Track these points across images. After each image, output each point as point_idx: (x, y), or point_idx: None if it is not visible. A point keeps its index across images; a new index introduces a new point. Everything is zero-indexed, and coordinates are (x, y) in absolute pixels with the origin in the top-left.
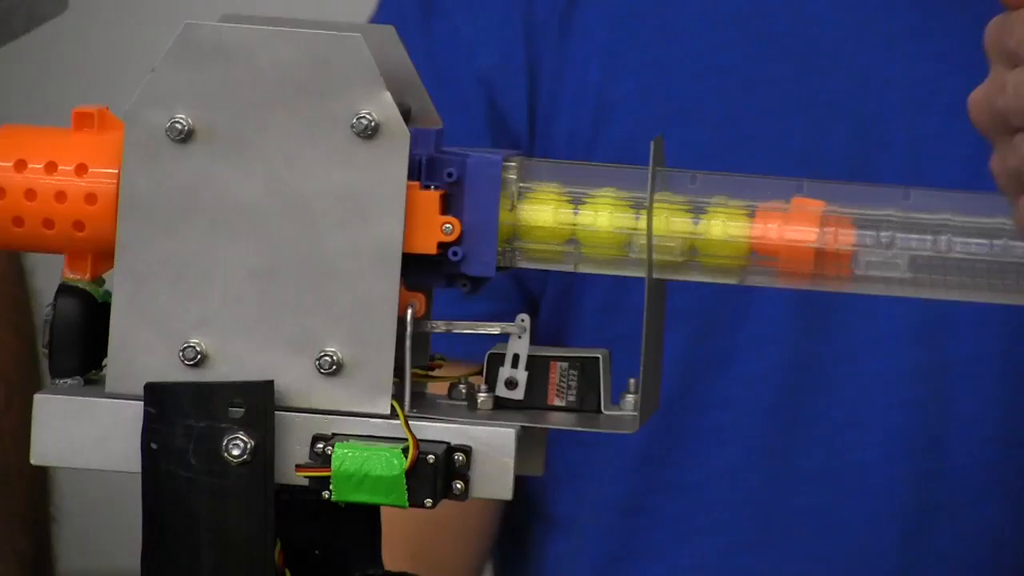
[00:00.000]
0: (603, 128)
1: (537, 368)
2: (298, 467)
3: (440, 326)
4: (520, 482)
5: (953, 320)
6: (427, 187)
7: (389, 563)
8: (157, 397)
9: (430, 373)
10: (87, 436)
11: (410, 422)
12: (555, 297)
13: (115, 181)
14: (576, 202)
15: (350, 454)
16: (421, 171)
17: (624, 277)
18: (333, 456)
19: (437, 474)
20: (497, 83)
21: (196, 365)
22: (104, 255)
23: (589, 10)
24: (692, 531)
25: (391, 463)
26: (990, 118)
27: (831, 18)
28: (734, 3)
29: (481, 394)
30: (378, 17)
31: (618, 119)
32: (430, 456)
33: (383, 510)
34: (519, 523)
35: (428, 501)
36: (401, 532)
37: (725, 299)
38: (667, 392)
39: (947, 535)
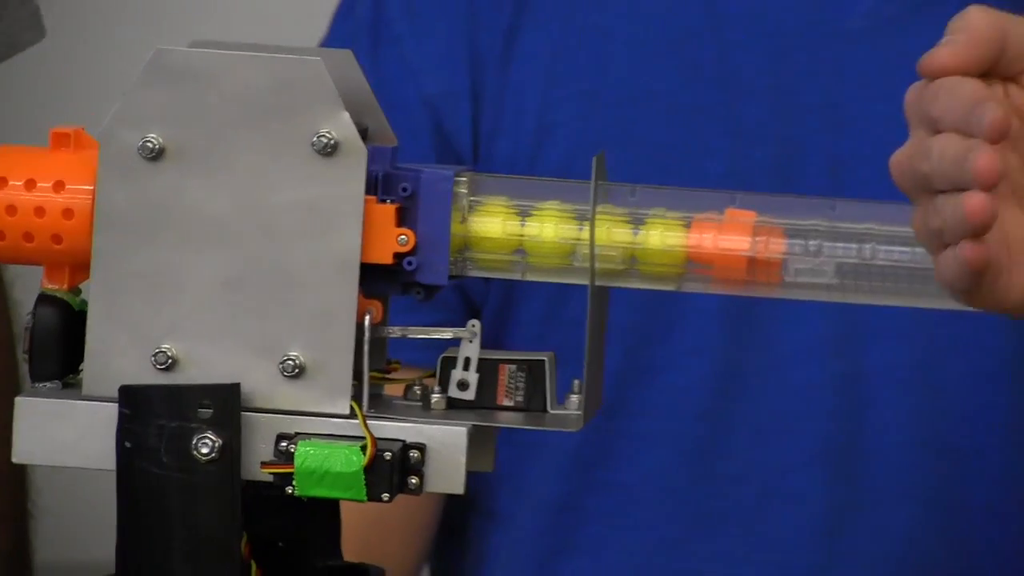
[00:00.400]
0: (542, 150)
1: (487, 370)
2: (263, 464)
3: (396, 331)
4: (470, 482)
5: (869, 332)
6: (383, 201)
7: None
8: (131, 399)
9: (387, 376)
10: (66, 436)
11: (368, 421)
12: (496, 308)
13: (91, 197)
14: (523, 214)
15: (312, 452)
16: (378, 186)
17: (562, 289)
18: (296, 454)
19: (393, 470)
20: (443, 108)
21: (167, 369)
22: (81, 266)
23: (529, 40)
24: (622, 528)
25: (350, 460)
26: (912, 180)
27: (755, 47)
28: (664, 33)
29: (435, 395)
30: (327, 43)
31: (556, 142)
32: (387, 453)
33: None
34: (457, 518)
35: (385, 495)
36: (348, 533)
37: (656, 313)
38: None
39: (864, 534)
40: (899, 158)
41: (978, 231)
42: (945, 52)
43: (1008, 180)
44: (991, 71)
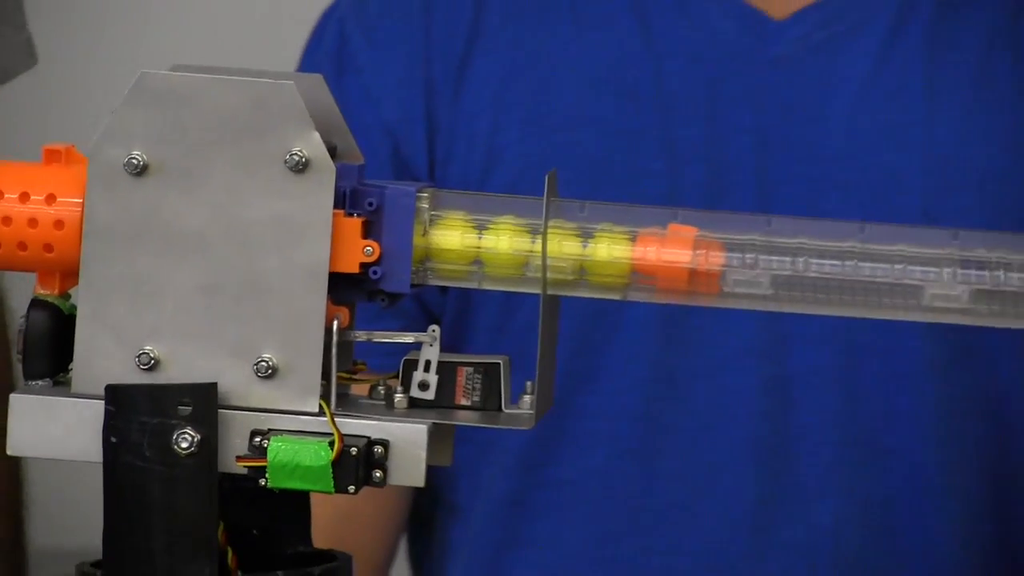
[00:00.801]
0: (492, 172)
1: (446, 372)
2: (238, 458)
3: (362, 335)
4: (429, 473)
5: (794, 339)
6: (350, 215)
7: None
8: (116, 397)
9: (353, 376)
10: (56, 430)
11: (335, 419)
12: (453, 317)
13: (80, 209)
14: (480, 228)
15: (283, 447)
16: (345, 201)
17: (513, 299)
18: (269, 448)
19: (359, 464)
20: (400, 133)
21: (150, 369)
22: (70, 273)
23: (479, 69)
24: (568, 522)
25: (319, 454)
26: None
27: (689, 74)
28: (605, 62)
29: (397, 395)
30: (299, 70)
31: (504, 164)
32: (353, 448)
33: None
34: (426, 511)
35: (351, 488)
36: (321, 526)
37: (597, 323)
38: None
39: (791, 528)
40: None
41: None
42: None
43: None
44: None
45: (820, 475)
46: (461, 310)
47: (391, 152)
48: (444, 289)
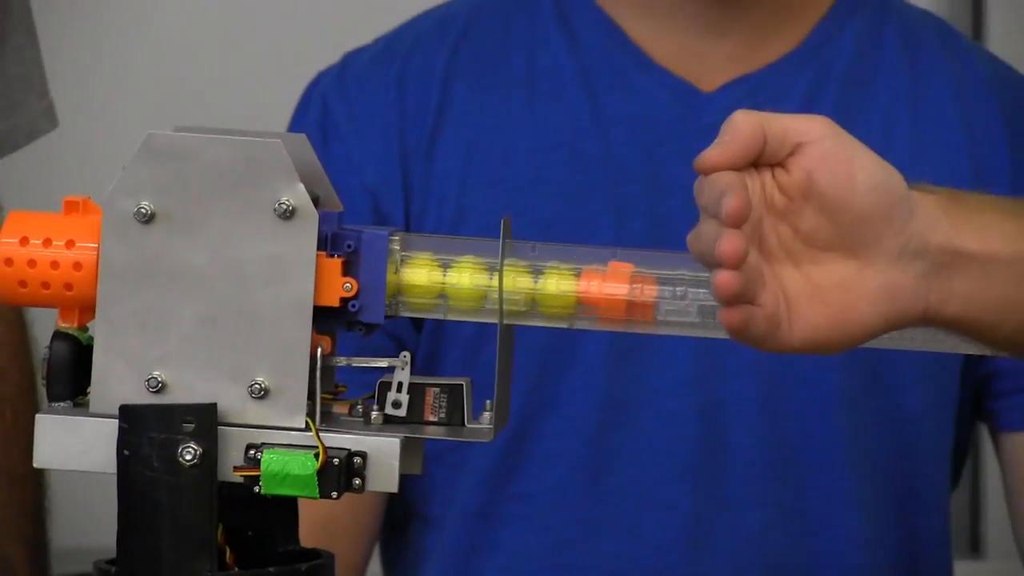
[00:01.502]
0: (460, 227)
1: (416, 392)
2: (235, 468)
3: (343, 361)
4: (403, 483)
5: (725, 371)
6: (332, 255)
7: None
8: (128, 416)
9: (335, 397)
10: (76, 445)
11: (320, 433)
12: (425, 355)
13: (96, 253)
14: (445, 266)
15: (275, 458)
16: (327, 243)
17: (478, 339)
18: (262, 460)
19: (341, 473)
20: (379, 193)
21: (158, 392)
22: (88, 309)
23: (448, 138)
24: (529, 531)
25: (306, 464)
26: (697, 257)
27: (632, 140)
28: (557, 131)
29: (374, 412)
30: None
31: (470, 221)
32: (335, 459)
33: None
34: (401, 522)
35: (334, 494)
36: (305, 532)
37: (552, 358)
38: (511, 427)
39: (723, 535)
40: (688, 238)
41: (728, 300)
42: (714, 151)
43: (782, 246)
44: (760, 160)
45: (748, 489)
46: (432, 349)
47: (372, 210)
48: (418, 328)
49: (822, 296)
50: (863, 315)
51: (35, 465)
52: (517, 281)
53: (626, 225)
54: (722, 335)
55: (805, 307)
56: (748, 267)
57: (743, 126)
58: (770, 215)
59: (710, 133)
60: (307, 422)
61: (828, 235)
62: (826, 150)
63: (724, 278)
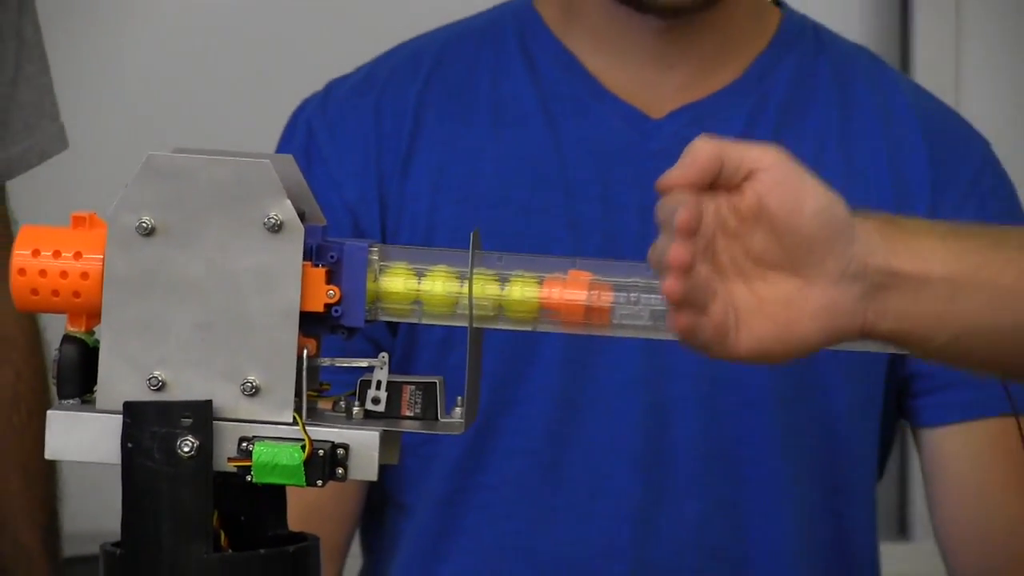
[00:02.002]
0: (430, 242)
1: (393, 390)
2: (229, 459)
3: (326, 362)
4: (381, 472)
5: (669, 373)
6: (316, 265)
7: None
8: (132, 412)
9: (320, 394)
10: (84, 438)
11: (306, 427)
12: (400, 357)
13: (101, 263)
14: (419, 275)
15: (265, 450)
16: (312, 254)
17: (447, 343)
18: (254, 452)
19: (325, 463)
20: (359, 211)
21: (159, 390)
22: (94, 315)
23: (420, 160)
24: (491, 518)
25: (293, 456)
26: (654, 265)
27: (587, 163)
28: (519, 153)
29: (355, 408)
30: None
31: (440, 236)
32: (320, 451)
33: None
34: (379, 508)
35: (319, 482)
36: (292, 518)
37: (514, 362)
38: (476, 423)
39: (667, 523)
40: (648, 252)
41: (676, 304)
42: (674, 173)
43: (733, 264)
44: (716, 183)
45: (689, 481)
46: (406, 352)
47: (352, 226)
48: (394, 333)
49: (768, 311)
50: (805, 330)
51: (47, 457)
52: (485, 288)
53: (581, 241)
54: (672, 337)
55: (752, 320)
56: (698, 278)
57: (702, 151)
58: (723, 235)
59: (659, 157)
60: (294, 417)
61: (776, 255)
62: (777, 177)
63: (670, 283)
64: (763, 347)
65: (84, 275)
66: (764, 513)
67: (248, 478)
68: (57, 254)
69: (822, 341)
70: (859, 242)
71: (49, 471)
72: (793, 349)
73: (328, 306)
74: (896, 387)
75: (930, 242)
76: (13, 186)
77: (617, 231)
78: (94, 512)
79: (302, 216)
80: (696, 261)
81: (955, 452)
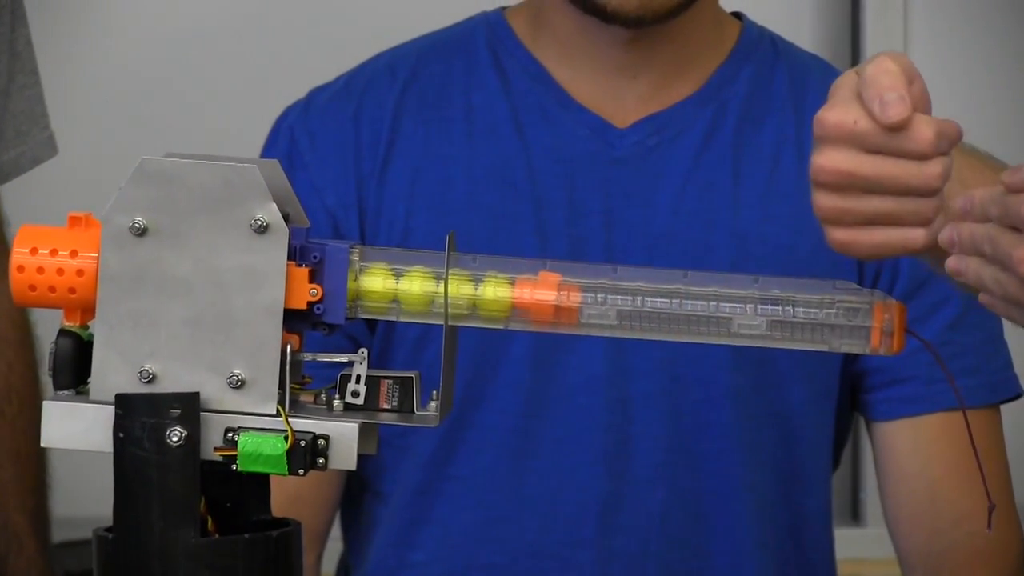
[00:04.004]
0: (406, 245)
1: (372, 384)
2: (216, 449)
3: (308, 356)
4: (360, 462)
5: (632, 371)
6: (300, 265)
7: None
8: (123, 403)
9: (302, 387)
10: (78, 428)
11: (289, 419)
12: (377, 353)
13: (96, 261)
14: (397, 275)
15: (249, 440)
16: (296, 254)
17: (421, 341)
18: (239, 441)
19: (306, 453)
20: (339, 215)
21: (149, 382)
22: (88, 310)
23: (396, 167)
24: (462, 507)
25: (277, 446)
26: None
27: (553, 170)
28: (489, 161)
29: (335, 401)
30: None
31: (415, 240)
32: (302, 441)
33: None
34: (357, 495)
35: (301, 471)
36: (275, 505)
37: (485, 359)
38: (449, 417)
39: (630, 513)
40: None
41: None
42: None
43: None
44: None
45: (651, 474)
46: (383, 349)
47: (332, 229)
48: (372, 330)
49: None
50: None
51: (42, 445)
52: (460, 288)
53: (548, 245)
54: (636, 335)
55: None
56: None
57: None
58: None
59: (622, 164)
60: (278, 409)
61: None
62: None
63: None
64: None
65: (80, 272)
66: (723, 503)
67: (233, 467)
68: (54, 252)
69: None
70: None
71: (39, 459)
72: None
73: (311, 304)
74: (850, 382)
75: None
76: (5, 190)
77: (582, 236)
78: (86, 498)
79: (287, 218)
80: None
81: (904, 446)
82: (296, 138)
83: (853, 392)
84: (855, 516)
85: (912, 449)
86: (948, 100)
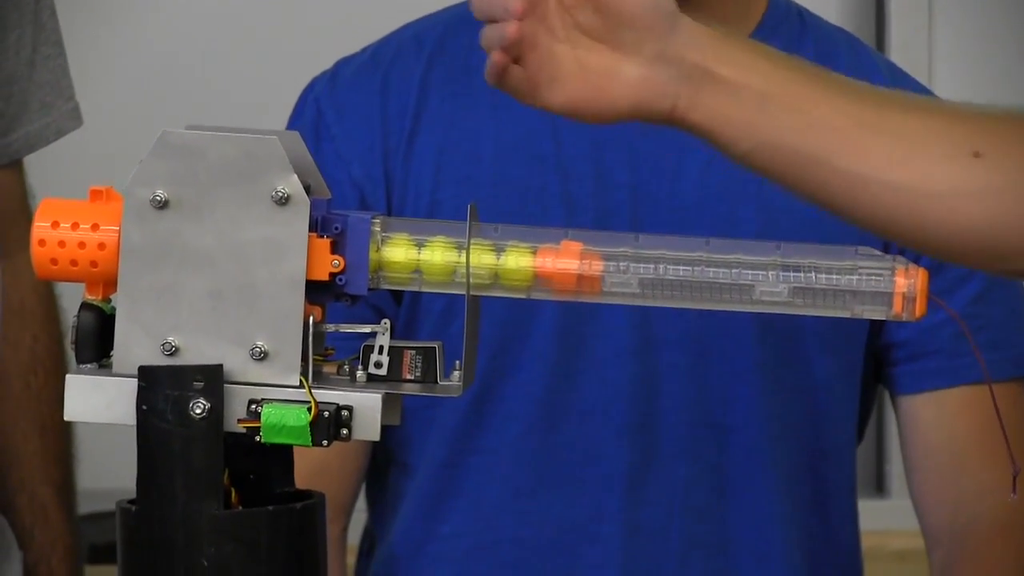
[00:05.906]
0: (433, 217)
1: (395, 355)
2: (239, 420)
3: (331, 327)
4: (384, 433)
5: (658, 343)
6: (322, 236)
7: None
8: (146, 376)
9: (325, 359)
10: (101, 401)
11: (312, 390)
12: (402, 326)
13: (117, 235)
14: (419, 245)
15: (273, 412)
16: (318, 226)
17: (448, 313)
18: (262, 413)
19: (330, 424)
20: (365, 187)
21: (172, 355)
22: (111, 283)
23: (423, 140)
24: (488, 480)
25: (300, 417)
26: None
27: (580, 144)
28: (516, 134)
29: (358, 372)
30: None
31: (442, 213)
32: (325, 412)
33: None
34: (382, 467)
35: (324, 442)
36: (300, 476)
37: (512, 332)
38: (474, 389)
39: (655, 485)
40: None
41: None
42: None
43: (564, 30)
44: None
45: (676, 446)
46: (408, 321)
47: (359, 201)
48: (398, 301)
49: (586, 75)
50: (615, 96)
51: (65, 418)
52: (482, 258)
53: (575, 218)
54: (661, 303)
55: (570, 79)
56: (524, 29)
57: None
58: (559, 7)
59: (651, 135)
60: (301, 380)
61: (600, 30)
62: None
63: (511, 28)
64: (574, 104)
65: (101, 246)
66: (748, 476)
67: (257, 438)
68: (75, 226)
69: (630, 111)
70: (680, 34)
71: (65, 431)
72: (603, 111)
73: (333, 275)
74: (875, 356)
75: (756, 58)
76: (30, 161)
77: (608, 208)
78: (110, 471)
79: (308, 189)
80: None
81: (930, 419)
82: (323, 109)
83: (878, 365)
84: (879, 488)
85: (936, 422)
86: (974, 71)
